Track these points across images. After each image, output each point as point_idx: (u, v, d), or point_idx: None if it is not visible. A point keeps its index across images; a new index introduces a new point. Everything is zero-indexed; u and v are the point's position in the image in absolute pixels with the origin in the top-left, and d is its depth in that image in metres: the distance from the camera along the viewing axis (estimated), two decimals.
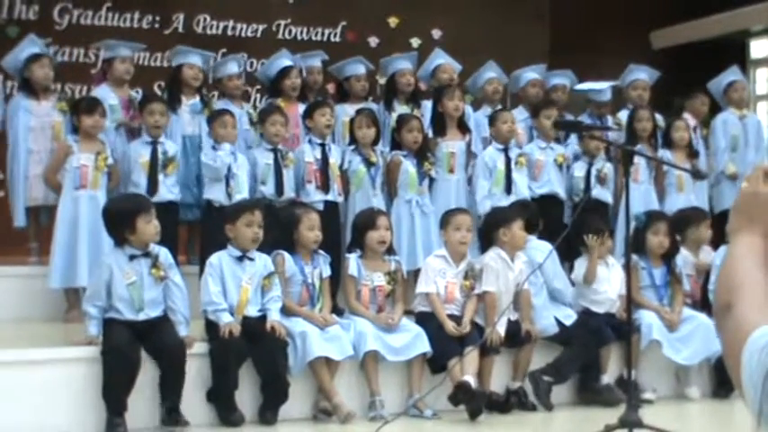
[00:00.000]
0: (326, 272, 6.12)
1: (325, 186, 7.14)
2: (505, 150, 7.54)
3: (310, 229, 6.05)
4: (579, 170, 7.85)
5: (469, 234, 6.30)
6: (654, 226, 6.77)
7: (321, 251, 6.14)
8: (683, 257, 7.08)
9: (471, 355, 5.89)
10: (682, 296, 6.82)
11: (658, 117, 8.60)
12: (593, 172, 7.81)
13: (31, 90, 7.29)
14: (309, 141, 7.28)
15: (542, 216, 6.91)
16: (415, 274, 6.80)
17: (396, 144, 7.42)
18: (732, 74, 9.04)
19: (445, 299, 6.20)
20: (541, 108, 8.01)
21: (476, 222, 6.72)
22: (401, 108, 8.02)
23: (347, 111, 7.90)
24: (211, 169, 6.88)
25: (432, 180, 7.41)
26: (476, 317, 6.21)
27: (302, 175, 7.18)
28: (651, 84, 8.72)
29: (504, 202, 7.23)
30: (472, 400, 5.77)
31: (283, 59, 7.97)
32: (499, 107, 8.12)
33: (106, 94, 7.40)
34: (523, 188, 7.51)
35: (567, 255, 6.97)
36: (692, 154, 8.25)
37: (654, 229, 6.76)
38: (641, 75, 8.74)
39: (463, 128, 7.71)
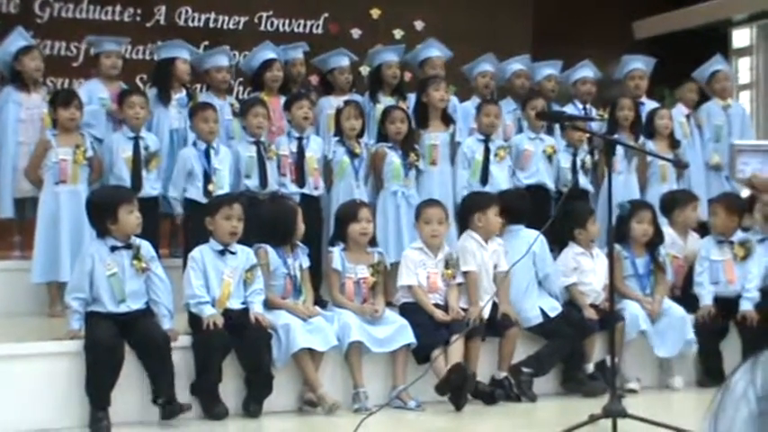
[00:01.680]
0: (305, 263, 6.13)
1: (299, 180, 7.13)
2: (485, 141, 7.55)
3: (302, 221, 6.10)
4: (565, 161, 7.86)
5: (441, 227, 6.31)
6: (638, 214, 6.78)
7: (299, 243, 6.16)
8: (671, 239, 7.10)
9: (456, 344, 5.91)
10: (664, 285, 6.85)
11: (651, 104, 8.60)
12: (578, 162, 7.83)
13: (21, 82, 7.27)
14: (288, 134, 7.27)
15: (531, 205, 6.93)
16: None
17: (381, 136, 7.41)
18: (716, 63, 9.04)
19: (428, 289, 6.22)
20: (528, 99, 8.02)
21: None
22: (386, 100, 8.01)
23: (332, 103, 7.88)
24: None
25: (419, 171, 7.41)
26: (459, 303, 6.23)
27: (278, 167, 7.16)
28: (649, 72, 8.72)
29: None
30: (466, 383, 5.79)
31: (266, 51, 7.95)
32: (480, 99, 8.09)
33: (96, 88, 7.41)
34: (502, 180, 7.49)
35: (552, 245, 6.97)
36: (675, 144, 8.26)
37: (638, 218, 6.78)
38: (637, 64, 8.74)
39: (447, 119, 7.71)
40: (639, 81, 8.64)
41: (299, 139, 7.22)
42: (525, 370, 6.23)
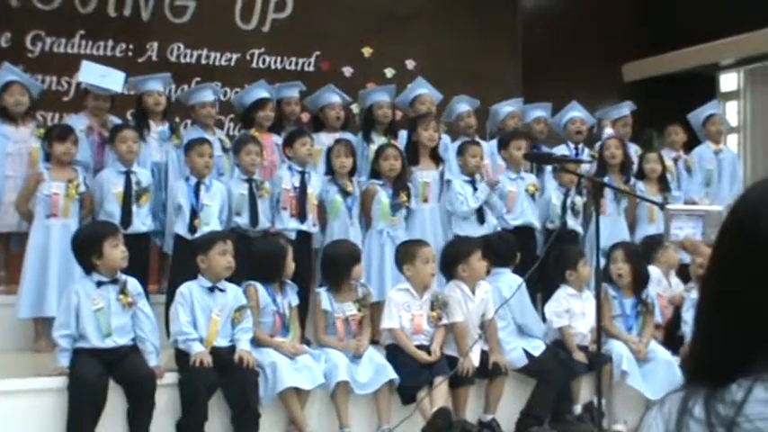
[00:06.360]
0: (294, 300, 6.11)
1: (300, 215, 7.10)
2: (472, 182, 7.54)
3: (292, 260, 6.08)
4: (556, 199, 7.84)
5: (434, 264, 6.33)
6: (611, 255, 6.80)
7: (288, 280, 6.14)
8: (657, 277, 7.12)
9: (441, 387, 5.89)
10: (651, 326, 6.85)
11: (636, 148, 8.65)
12: (569, 203, 7.82)
13: (8, 116, 7.27)
14: (289, 168, 7.23)
15: (518, 247, 6.91)
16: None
17: (375, 175, 7.38)
18: (710, 108, 9.15)
19: (413, 331, 6.19)
20: (511, 139, 7.92)
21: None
22: (379, 139, 8.01)
23: (322, 140, 7.88)
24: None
25: (409, 211, 7.37)
26: (446, 348, 6.20)
27: (277, 201, 7.13)
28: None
29: (479, 232, 7.23)
30: (450, 427, 5.75)
31: (260, 90, 7.94)
32: (467, 139, 8.08)
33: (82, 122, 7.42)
34: (492, 218, 7.51)
35: (539, 285, 6.97)
36: (664, 187, 8.28)
37: (611, 258, 6.79)
38: (624, 111, 8.79)
39: (436, 158, 7.70)
40: (628, 128, 8.69)
41: (302, 174, 7.20)
42: (535, 429, 6.22)
